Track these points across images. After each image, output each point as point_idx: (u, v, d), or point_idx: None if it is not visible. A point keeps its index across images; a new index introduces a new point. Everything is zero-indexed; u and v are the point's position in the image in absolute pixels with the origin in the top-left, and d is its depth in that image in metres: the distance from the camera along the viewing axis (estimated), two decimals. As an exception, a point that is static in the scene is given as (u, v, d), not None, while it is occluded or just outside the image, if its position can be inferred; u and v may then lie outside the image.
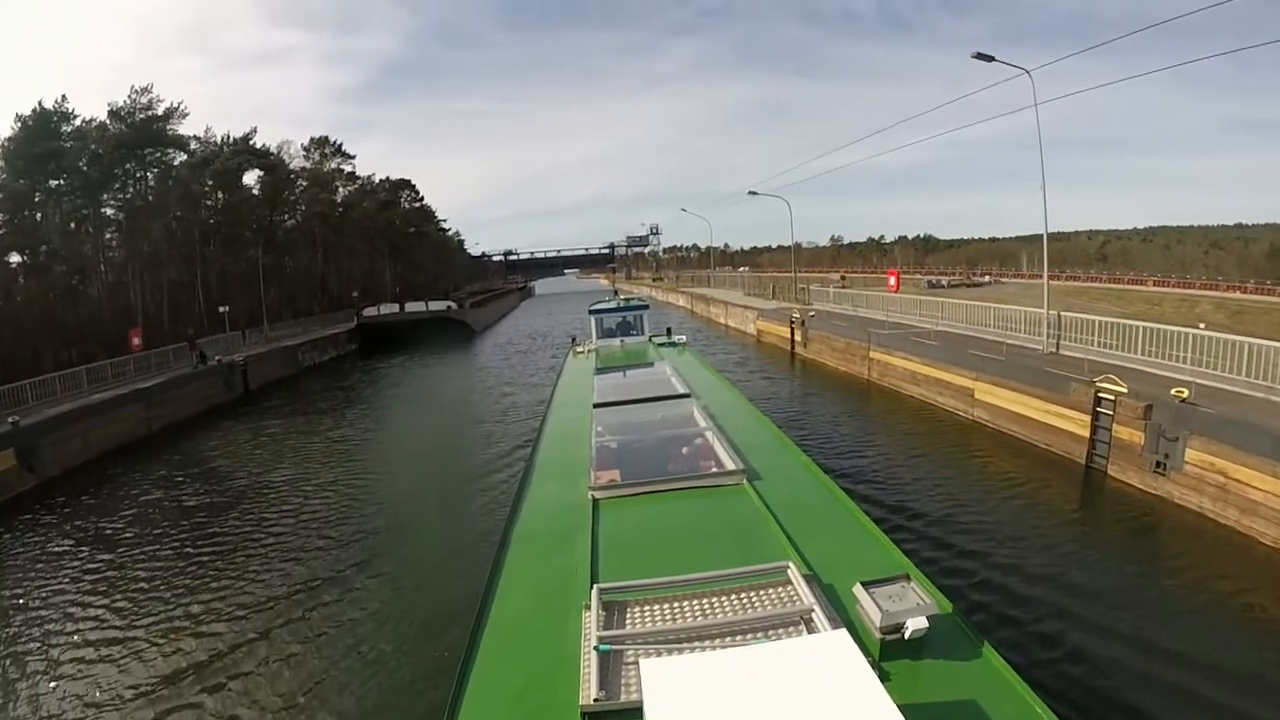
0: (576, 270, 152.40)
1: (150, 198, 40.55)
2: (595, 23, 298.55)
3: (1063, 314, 18.17)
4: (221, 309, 32.56)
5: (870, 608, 3.47)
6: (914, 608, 3.41)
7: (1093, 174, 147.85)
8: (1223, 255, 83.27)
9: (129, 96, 38.83)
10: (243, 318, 40.99)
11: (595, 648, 3.41)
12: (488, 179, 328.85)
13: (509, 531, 5.65)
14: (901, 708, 2.36)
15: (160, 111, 40.07)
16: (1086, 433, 13.08)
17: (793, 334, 28.47)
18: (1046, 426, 14.26)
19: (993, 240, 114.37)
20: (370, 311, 44.96)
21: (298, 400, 28.08)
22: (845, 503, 5.74)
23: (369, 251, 71.10)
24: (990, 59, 16.85)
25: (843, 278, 62.18)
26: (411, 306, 45.87)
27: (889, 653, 3.42)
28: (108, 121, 37.83)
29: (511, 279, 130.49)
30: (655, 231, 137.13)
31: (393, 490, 14.98)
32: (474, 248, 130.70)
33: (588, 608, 3.93)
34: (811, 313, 27.46)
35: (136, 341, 27.10)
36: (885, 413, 19.13)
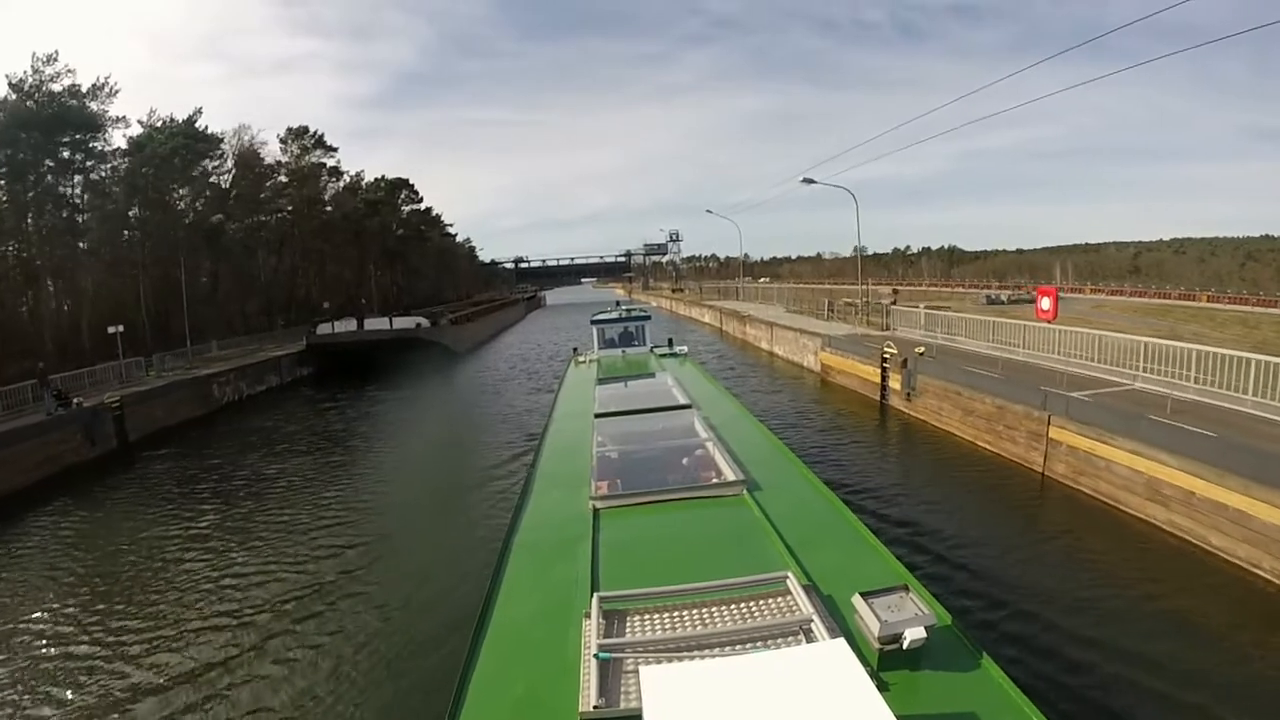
0: (593, 279, 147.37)
1: (75, 190, 33.60)
2: (611, 33, 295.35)
3: None
4: (112, 329, 24.52)
5: (869, 618, 3.37)
6: (912, 618, 3.31)
7: (1114, 184, 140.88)
8: (1258, 267, 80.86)
9: (32, 66, 31.18)
10: (212, 334, 34.63)
11: (595, 655, 3.35)
12: (502, 188, 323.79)
13: (510, 540, 5.53)
14: (899, 718, 2.32)
15: (79, 86, 32.58)
16: None
17: (884, 377, 19.54)
18: None
19: (1019, 252, 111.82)
20: (325, 329, 35.89)
21: (191, 457, 20.13)
22: (844, 514, 5.61)
23: (359, 258, 64.25)
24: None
25: (895, 291, 53.58)
26: (373, 323, 36.47)
27: (887, 663, 3.31)
28: (11, 95, 30.65)
29: (521, 287, 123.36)
30: (675, 238, 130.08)
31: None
32: (484, 255, 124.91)
33: (588, 616, 3.85)
34: (920, 349, 18.42)
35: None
36: (1083, 541, 10.56)
